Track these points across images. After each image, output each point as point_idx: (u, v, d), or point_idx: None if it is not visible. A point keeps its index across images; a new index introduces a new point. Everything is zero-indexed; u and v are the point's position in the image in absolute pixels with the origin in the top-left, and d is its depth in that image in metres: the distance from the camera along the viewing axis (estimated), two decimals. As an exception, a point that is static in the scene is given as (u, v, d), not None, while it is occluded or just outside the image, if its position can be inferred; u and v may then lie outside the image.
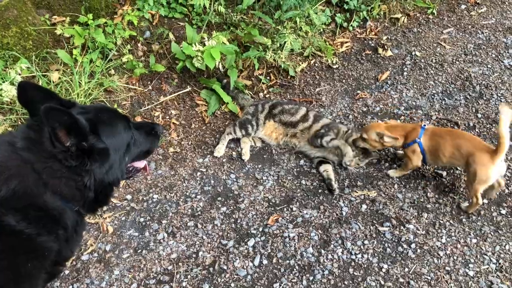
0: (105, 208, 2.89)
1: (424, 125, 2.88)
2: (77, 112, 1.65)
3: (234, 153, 3.29)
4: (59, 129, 1.49)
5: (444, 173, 3.07)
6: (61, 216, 1.66)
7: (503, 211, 2.82)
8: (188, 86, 3.68)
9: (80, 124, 1.55)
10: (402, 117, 3.50)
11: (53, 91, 1.76)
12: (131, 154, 1.99)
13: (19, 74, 3.16)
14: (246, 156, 3.23)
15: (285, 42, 3.69)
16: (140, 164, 2.28)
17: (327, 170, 3.08)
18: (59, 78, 3.28)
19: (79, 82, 3.27)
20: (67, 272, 2.57)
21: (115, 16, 3.77)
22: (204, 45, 3.39)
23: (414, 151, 2.86)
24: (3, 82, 3.08)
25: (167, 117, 3.47)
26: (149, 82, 3.62)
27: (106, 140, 1.70)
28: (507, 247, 2.63)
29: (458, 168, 3.07)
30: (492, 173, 2.59)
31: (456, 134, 2.86)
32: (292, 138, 3.27)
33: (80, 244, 2.36)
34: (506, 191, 2.93)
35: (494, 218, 2.79)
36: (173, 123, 3.44)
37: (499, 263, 2.56)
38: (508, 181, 2.99)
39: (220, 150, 3.25)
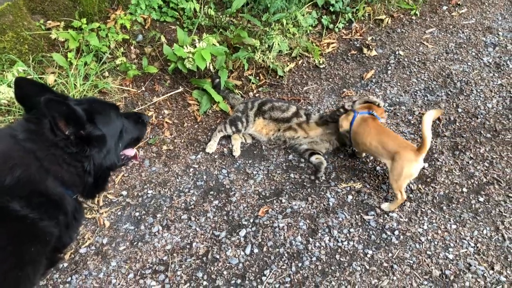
0: (101, 203, 3.00)
1: (357, 112, 3.06)
2: (72, 104, 1.77)
3: (225, 149, 3.41)
4: (59, 118, 1.62)
5: (426, 165, 3.21)
6: (62, 202, 1.78)
7: (481, 199, 2.96)
8: (180, 87, 3.81)
9: (78, 114, 1.68)
10: (386, 113, 3.65)
11: (47, 85, 1.88)
12: (124, 141, 2.13)
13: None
14: (236, 152, 3.36)
15: (273, 43, 3.83)
16: (131, 152, 2.41)
17: (319, 157, 3.22)
18: (55, 80, 3.39)
19: (74, 84, 3.38)
20: (65, 264, 2.68)
21: (108, 21, 3.90)
22: (195, 47, 3.53)
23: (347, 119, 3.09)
24: (1, 84, 3.20)
25: (160, 116, 3.59)
26: (142, 84, 3.75)
27: (102, 128, 1.84)
28: (484, 231, 2.78)
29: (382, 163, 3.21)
30: (416, 169, 2.75)
31: (382, 130, 2.97)
32: (287, 131, 3.39)
33: (78, 232, 2.46)
34: (484, 180, 3.08)
35: (473, 205, 2.94)
36: (166, 122, 3.56)
37: (477, 247, 2.70)
38: (487, 171, 3.14)
39: (212, 146, 3.37)
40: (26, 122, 1.74)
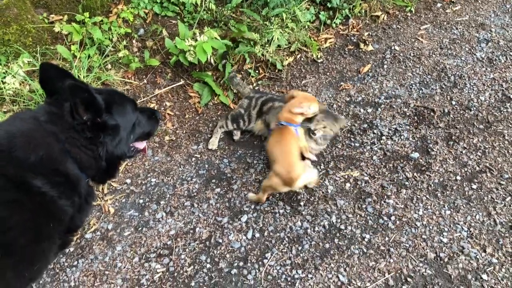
0: (106, 191, 3.08)
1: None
2: (93, 92, 1.86)
3: (221, 143, 3.50)
4: (80, 104, 1.71)
5: (418, 155, 3.31)
6: (78, 184, 1.87)
7: (474, 186, 3.07)
8: (181, 80, 3.89)
9: (98, 102, 1.77)
10: (383, 105, 3.75)
11: (69, 72, 1.96)
12: (135, 134, 2.21)
13: (21, 68, 3.34)
14: (236, 136, 3.48)
15: (272, 38, 3.92)
16: (140, 145, 2.49)
17: None
18: (59, 72, 3.46)
19: (78, 76, 3.45)
20: (72, 249, 2.75)
21: (110, 15, 3.97)
22: (196, 40, 3.61)
23: None
24: (6, 75, 3.27)
25: (162, 108, 3.67)
26: (144, 76, 3.82)
27: (117, 118, 1.93)
28: (477, 217, 2.88)
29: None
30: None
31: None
32: None
33: (88, 216, 2.52)
34: (477, 168, 3.19)
35: (466, 192, 3.04)
36: (168, 113, 3.64)
37: (470, 231, 2.81)
38: (479, 160, 3.25)
39: (214, 143, 3.42)
40: (48, 105, 1.83)
